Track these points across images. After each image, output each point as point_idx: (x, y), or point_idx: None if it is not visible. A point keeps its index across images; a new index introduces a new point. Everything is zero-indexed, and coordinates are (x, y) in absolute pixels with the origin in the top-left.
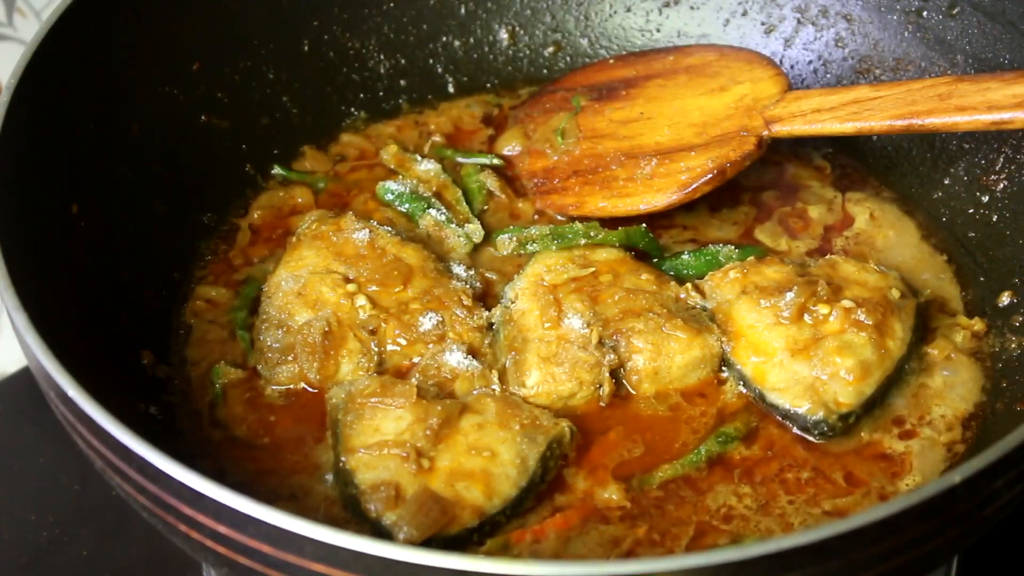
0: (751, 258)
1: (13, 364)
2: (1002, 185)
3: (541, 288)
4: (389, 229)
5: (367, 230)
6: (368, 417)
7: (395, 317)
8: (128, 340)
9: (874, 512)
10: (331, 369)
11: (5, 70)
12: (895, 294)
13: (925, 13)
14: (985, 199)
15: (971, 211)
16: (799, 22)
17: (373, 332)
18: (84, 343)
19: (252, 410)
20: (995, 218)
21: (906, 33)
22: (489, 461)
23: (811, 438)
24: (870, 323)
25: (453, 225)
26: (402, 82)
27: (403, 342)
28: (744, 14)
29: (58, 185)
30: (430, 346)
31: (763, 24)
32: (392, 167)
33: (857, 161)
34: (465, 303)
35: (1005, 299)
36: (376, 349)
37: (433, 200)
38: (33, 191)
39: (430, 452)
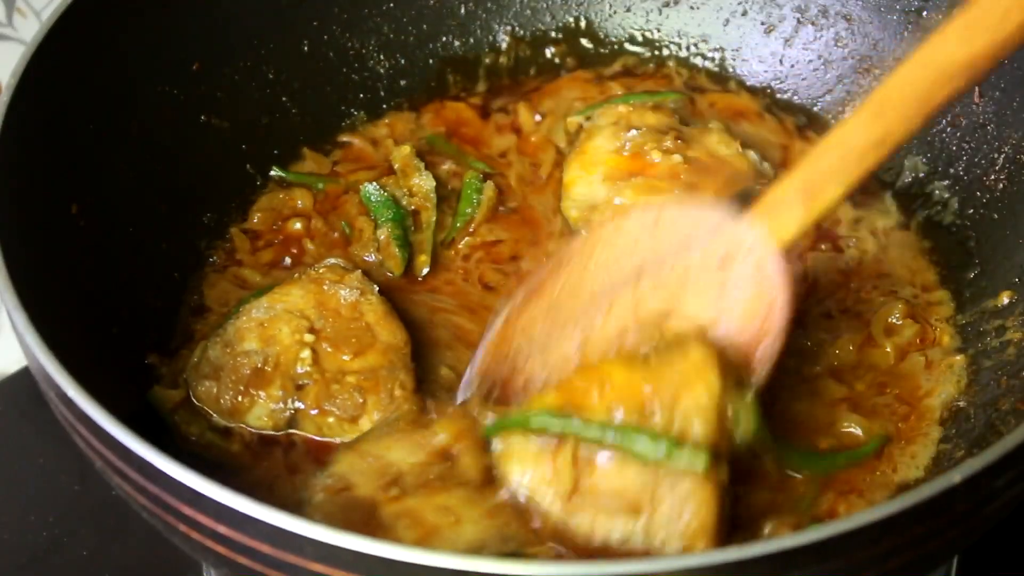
0: (650, 101)
1: (13, 364)
2: (1002, 185)
3: None
4: (385, 302)
5: (358, 292)
6: (391, 436)
7: (325, 382)
8: (129, 340)
9: (874, 512)
10: (244, 405)
11: (5, 70)
12: (740, 166)
13: (925, 13)
14: (985, 199)
15: (971, 211)
16: (799, 22)
17: (300, 388)
18: (84, 343)
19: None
20: (995, 218)
21: (906, 33)
22: (448, 525)
23: None
24: (684, 179)
25: (398, 249)
26: (402, 82)
27: (315, 412)
28: (744, 14)
29: (58, 185)
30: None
31: (763, 24)
32: (396, 167)
33: None
34: (396, 395)
35: (1005, 299)
36: (293, 406)
37: (405, 214)
38: (33, 191)
39: (408, 488)
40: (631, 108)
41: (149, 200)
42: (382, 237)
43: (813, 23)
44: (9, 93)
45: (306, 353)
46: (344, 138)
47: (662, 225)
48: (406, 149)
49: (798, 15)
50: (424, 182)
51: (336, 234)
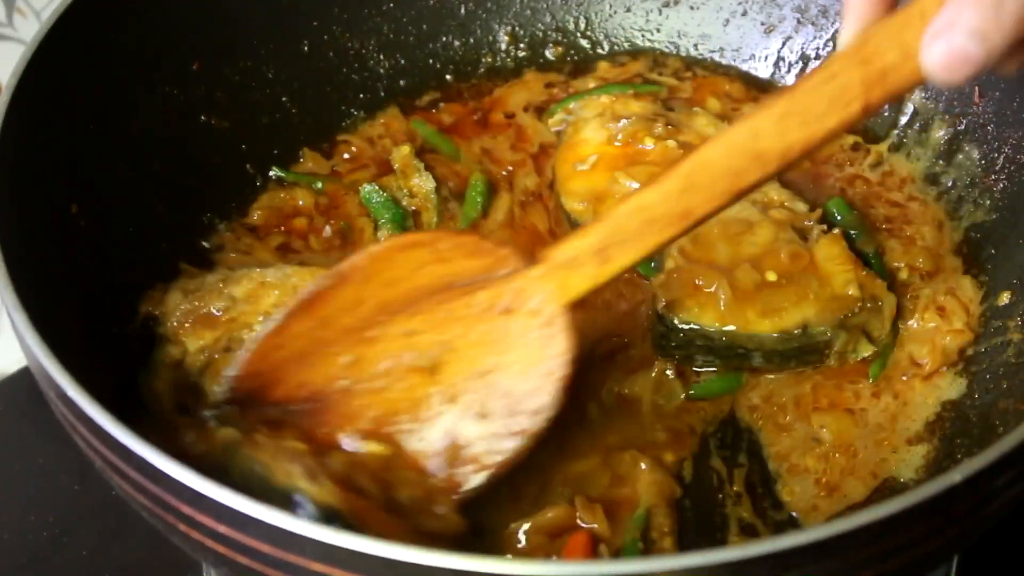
0: (631, 91)
1: (13, 364)
2: (1002, 185)
3: None
4: None
5: None
6: None
7: None
8: (129, 340)
9: (874, 511)
10: (186, 330)
11: (5, 70)
12: None
13: None
14: (985, 199)
15: (971, 210)
16: (799, 22)
17: (227, 349)
18: (84, 343)
19: None
20: (995, 217)
21: None
22: None
23: None
24: None
25: None
26: (402, 82)
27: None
28: (744, 14)
29: (58, 185)
30: None
31: (763, 24)
32: (396, 167)
33: None
34: None
35: (1005, 299)
36: (210, 357)
37: (405, 215)
38: (33, 191)
39: None
40: (614, 98)
41: (149, 200)
42: (382, 238)
43: (813, 23)
44: (9, 93)
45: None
46: (344, 138)
47: (448, 256)
48: (406, 149)
49: (798, 15)
50: (424, 183)
51: (337, 235)
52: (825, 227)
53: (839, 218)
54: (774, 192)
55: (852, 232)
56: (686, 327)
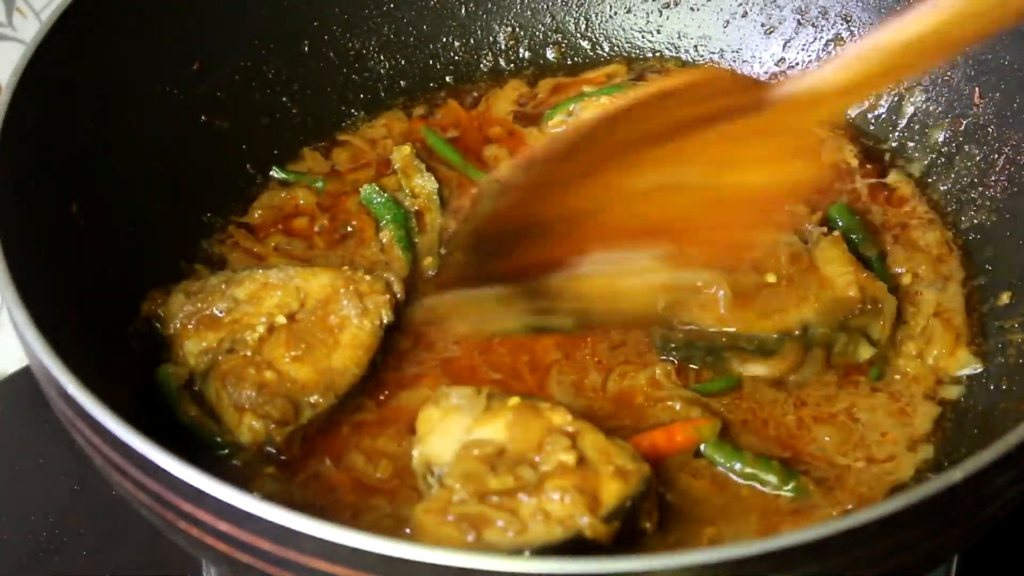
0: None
1: (13, 364)
2: (1002, 187)
3: None
4: (375, 338)
5: (359, 311)
6: None
7: (247, 362)
8: (129, 338)
9: (875, 510)
10: (188, 331)
11: (5, 70)
12: None
13: None
14: (985, 201)
15: (971, 211)
16: (799, 23)
17: (230, 351)
18: (84, 342)
19: None
20: (995, 218)
21: None
22: None
23: None
24: None
25: (401, 251)
26: (402, 82)
27: (216, 383)
28: (744, 15)
29: (58, 185)
30: None
31: (763, 25)
32: (396, 167)
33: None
34: (271, 428)
35: (1005, 300)
36: (213, 360)
37: (407, 215)
38: (33, 191)
39: None
40: (614, 99)
41: (149, 200)
42: (384, 240)
43: (813, 24)
44: (9, 93)
45: (262, 328)
46: (344, 138)
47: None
48: (406, 149)
49: (798, 16)
50: (427, 183)
51: (337, 235)
52: (825, 229)
53: (841, 223)
54: None
55: (854, 236)
56: (686, 328)
